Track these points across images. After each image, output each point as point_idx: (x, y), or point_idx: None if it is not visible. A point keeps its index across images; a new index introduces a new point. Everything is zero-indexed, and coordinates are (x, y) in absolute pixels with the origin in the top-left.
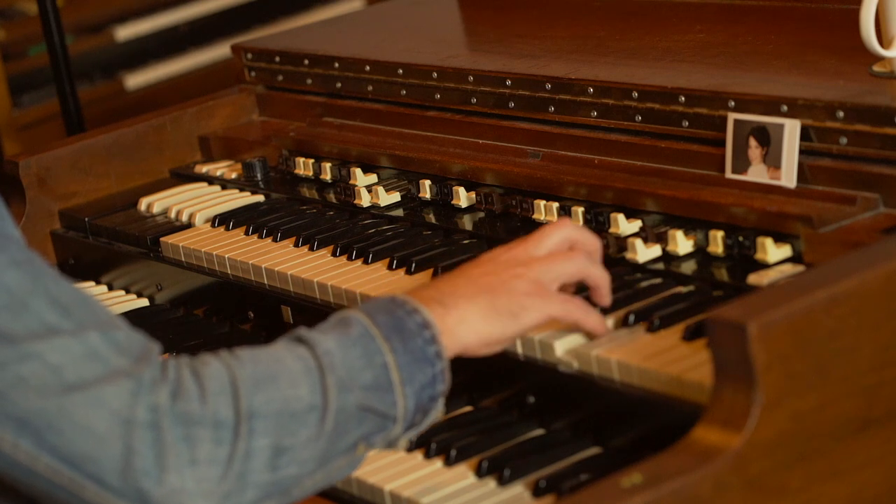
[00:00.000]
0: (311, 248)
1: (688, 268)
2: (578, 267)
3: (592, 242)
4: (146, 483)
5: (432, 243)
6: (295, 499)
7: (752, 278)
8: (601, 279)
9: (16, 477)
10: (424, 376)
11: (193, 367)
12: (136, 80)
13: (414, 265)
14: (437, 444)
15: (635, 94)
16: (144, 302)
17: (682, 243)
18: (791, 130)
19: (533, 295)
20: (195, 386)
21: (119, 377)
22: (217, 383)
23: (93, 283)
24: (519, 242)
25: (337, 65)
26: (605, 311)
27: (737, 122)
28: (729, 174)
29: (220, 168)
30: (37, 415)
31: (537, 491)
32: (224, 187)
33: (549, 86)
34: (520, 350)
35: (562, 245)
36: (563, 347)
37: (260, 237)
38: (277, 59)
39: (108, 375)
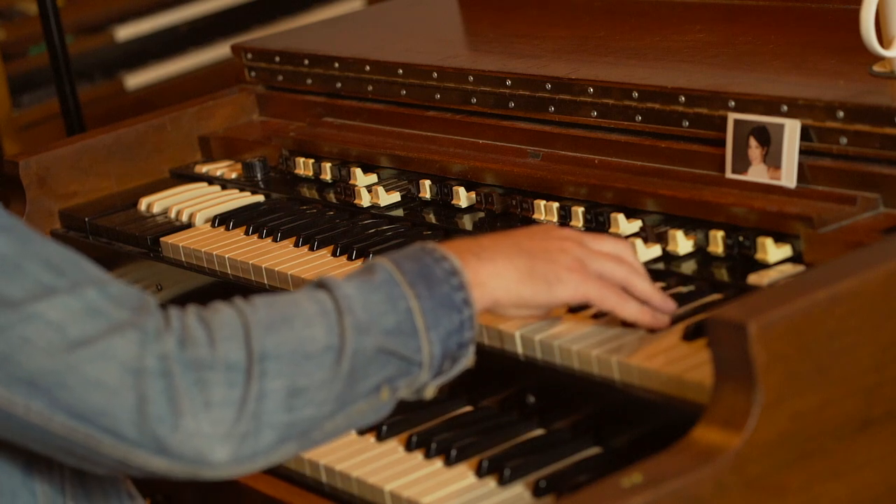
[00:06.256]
0: (311, 248)
1: (688, 268)
2: (625, 273)
3: (642, 269)
4: (162, 430)
5: None
6: (317, 442)
7: (752, 278)
8: (647, 293)
9: (30, 439)
10: (451, 323)
11: (201, 315)
12: (136, 80)
13: None
14: (437, 444)
15: (635, 94)
16: None
17: (682, 243)
18: (791, 130)
19: (573, 271)
20: (203, 332)
21: (123, 329)
22: (227, 329)
23: None
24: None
25: (337, 65)
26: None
27: (737, 122)
28: (729, 174)
29: (220, 168)
30: (46, 374)
31: (537, 491)
32: (224, 187)
33: (549, 86)
34: (520, 350)
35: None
36: (562, 346)
37: (260, 237)
38: (277, 59)
39: (111, 328)
